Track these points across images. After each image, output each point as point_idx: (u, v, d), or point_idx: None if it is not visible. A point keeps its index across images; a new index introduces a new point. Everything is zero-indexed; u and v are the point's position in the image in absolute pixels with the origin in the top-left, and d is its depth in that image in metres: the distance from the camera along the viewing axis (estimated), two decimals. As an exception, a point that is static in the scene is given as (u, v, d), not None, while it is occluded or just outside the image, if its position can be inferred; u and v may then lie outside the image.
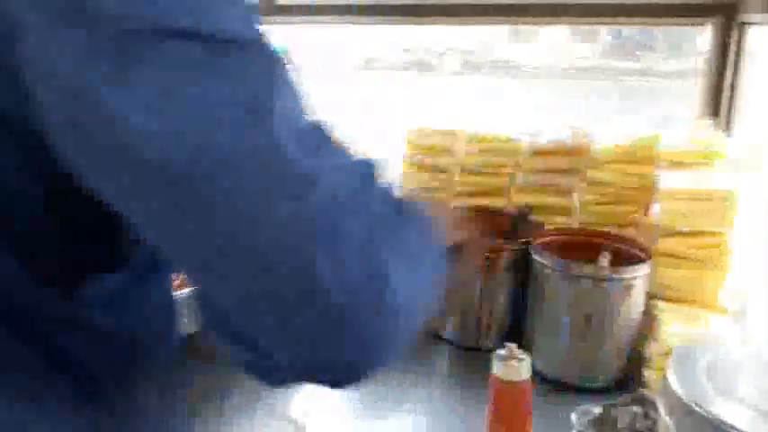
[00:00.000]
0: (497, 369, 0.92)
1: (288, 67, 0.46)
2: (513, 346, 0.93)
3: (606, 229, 1.29)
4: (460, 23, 1.59)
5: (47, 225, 0.49)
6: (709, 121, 1.38)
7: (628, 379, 1.15)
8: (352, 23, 1.57)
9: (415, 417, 1.10)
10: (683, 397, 0.82)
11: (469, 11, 1.49)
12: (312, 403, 1.12)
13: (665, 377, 0.87)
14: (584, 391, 1.14)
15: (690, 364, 0.88)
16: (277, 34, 0.47)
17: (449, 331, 1.31)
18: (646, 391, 1.05)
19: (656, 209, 1.24)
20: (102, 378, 0.54)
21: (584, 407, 1.07)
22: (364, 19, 1.60)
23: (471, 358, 1.27)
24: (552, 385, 1.15)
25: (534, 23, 1.76)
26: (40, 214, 0.48)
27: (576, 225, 1.35)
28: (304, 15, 1.59)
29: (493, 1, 1.47)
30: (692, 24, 1.52)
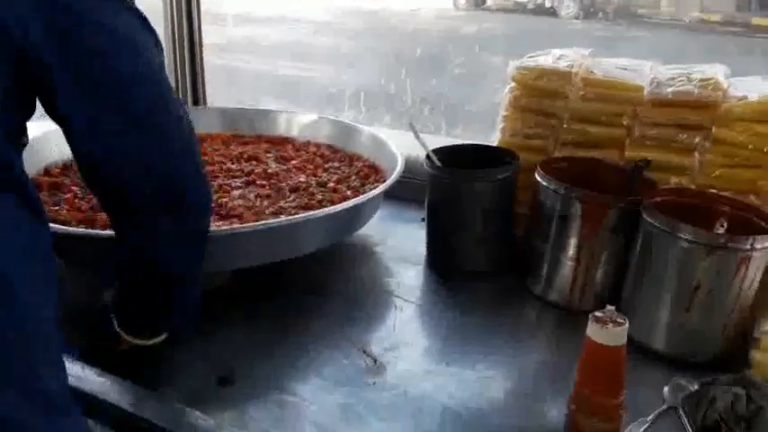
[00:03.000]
0: (592, 331, 0.86)
1: None
2: (612, 308, 0.87)
3: (726, 194, 1.17)
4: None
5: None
6: None
7: (732, 358, 1.07)
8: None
9: (500, 369, 1.07)
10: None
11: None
12: (394, 343, 1.11)
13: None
14: (681, 365, 1.06)
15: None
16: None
17: (541, 287, 1.26)
18: (752, 373, 0.98)
19: (789, 177, 1.12)
20: None
21: (679, 381, 1.00)
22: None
23: (562, 317, 1.22)
24: (646, 355, 1.08)
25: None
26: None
27: (693, 187, 1.23)
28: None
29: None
30: None
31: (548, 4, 10.98)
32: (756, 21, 10.76)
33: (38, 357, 0.69)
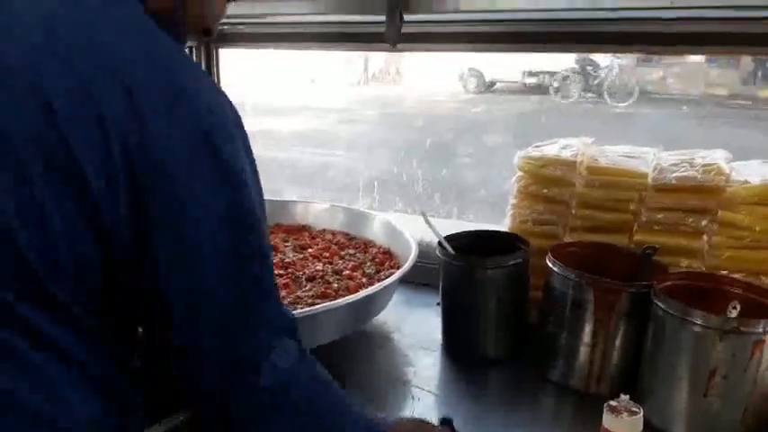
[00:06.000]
0: (607, 420, 0.86)
1: None
2: (626, 398, 0.87)
3: (738, 276, 1.19)
4: (579, 51, 1.54)
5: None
6: None
7: (754, 443, 1.06)
8: (476, 51, 1.57)
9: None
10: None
11: (590, 38, 1.42)
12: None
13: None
14: (701, 450, 1.05)
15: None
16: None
17: (557, 373, 1.26)
18: (776, 460, 0.96)
19: (798, 259, 1.13)
20: None
21: (702, 468, 0.99)
22: (485, 47, 1.59)
23: (580, 402, 1.21)
24: (666, 441, 1.07)
25: (665, 53, 1.67)
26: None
27: (704, 269, 1.25)
28: (429, 43, 1.60)
29: (620, 29, 1.38)
30: None
31: (555, 85, 11.29)
32: (764, 93, 10.92)
33: None
